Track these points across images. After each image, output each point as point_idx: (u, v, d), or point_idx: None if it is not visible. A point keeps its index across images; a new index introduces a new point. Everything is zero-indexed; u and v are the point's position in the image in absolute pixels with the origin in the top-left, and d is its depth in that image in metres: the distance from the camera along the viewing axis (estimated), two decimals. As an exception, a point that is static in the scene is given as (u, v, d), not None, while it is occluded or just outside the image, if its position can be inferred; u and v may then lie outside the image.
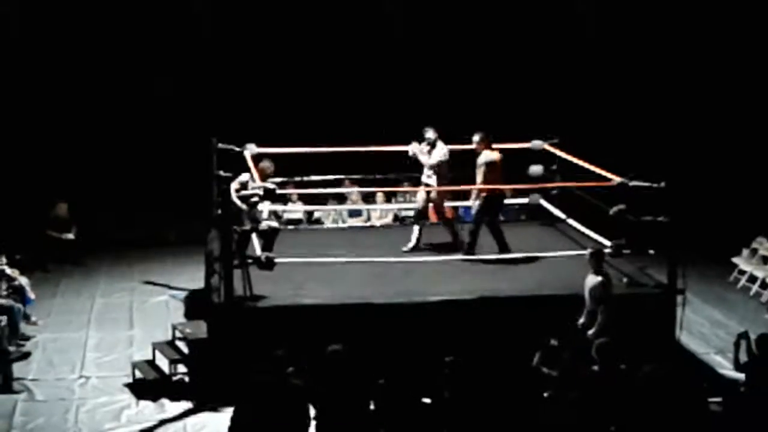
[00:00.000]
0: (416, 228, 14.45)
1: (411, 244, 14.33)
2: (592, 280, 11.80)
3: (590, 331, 11.53)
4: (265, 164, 13.66)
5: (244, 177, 13.19)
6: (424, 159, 14.16)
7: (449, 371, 10.32)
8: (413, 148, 14.24)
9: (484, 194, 13.75)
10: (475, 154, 13.86)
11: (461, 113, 15.79)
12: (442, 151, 14.10)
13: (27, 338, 14.04)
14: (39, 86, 19.82)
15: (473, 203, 13.99)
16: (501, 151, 13.93)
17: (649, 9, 20.68)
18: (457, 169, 14.31)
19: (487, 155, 13.76)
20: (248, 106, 19.75)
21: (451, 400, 10.16)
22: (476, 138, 13.86)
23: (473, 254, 13.78)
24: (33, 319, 14.74)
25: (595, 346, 10.52)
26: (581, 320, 11.77)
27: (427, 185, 14.27)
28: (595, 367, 10.36)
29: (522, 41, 20.45)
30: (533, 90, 20.12)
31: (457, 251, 14.01)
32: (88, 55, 19.97)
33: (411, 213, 17.81)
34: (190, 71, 20.22)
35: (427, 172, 14.23)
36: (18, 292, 14.65)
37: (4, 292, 14.19)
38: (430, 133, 14.17)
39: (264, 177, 13.39)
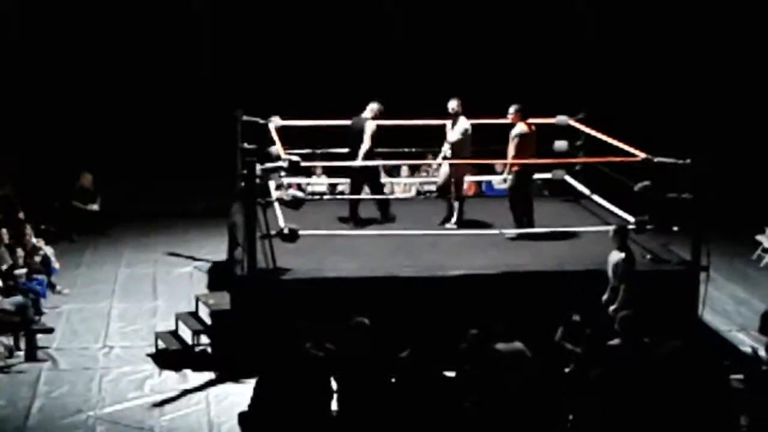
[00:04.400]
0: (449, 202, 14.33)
1: (454, 219, 14.21)
2: (616, 256, 11.79)
3: (612, 307, 11.53)
4: (374, 106, 14.16)
5: None
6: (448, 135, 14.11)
7: (471, 345, 10.34)
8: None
9: (516, 168, 13.69)
10: (509, 126, 13.82)
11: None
12: (463, 126, 14.03)
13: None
14: (65, 57, 19.86)
15: (505, 176, 13.93)
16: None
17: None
18: (479, 144, 14.27)
19: (521, 128, 13.70)
20: (273, 78, 19.74)
21: (473, 374, 10.18)
22: (511, 110, 13.80)
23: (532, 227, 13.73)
24: (58, 288, 14.84)
25: (618, 318, 10.51)
26: (604, 296, 11.77)
27: (445, 158, 14.18)
28: (617, 341, 10.33)
29: (522, 38, 20.36)
30: (543, 64, 20.06)
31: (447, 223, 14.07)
32: (116, 24, 20.00)
33: (434, 187, 17.86)
34: (216, 45, 20.23)
35: (446, 146, 14.16)
36: (43, 263, 14.75)
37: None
38: (451, 106, 14.08)
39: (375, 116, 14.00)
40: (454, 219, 14.21)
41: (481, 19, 20.42)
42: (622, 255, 11.75)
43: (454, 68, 19.73)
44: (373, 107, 14.31)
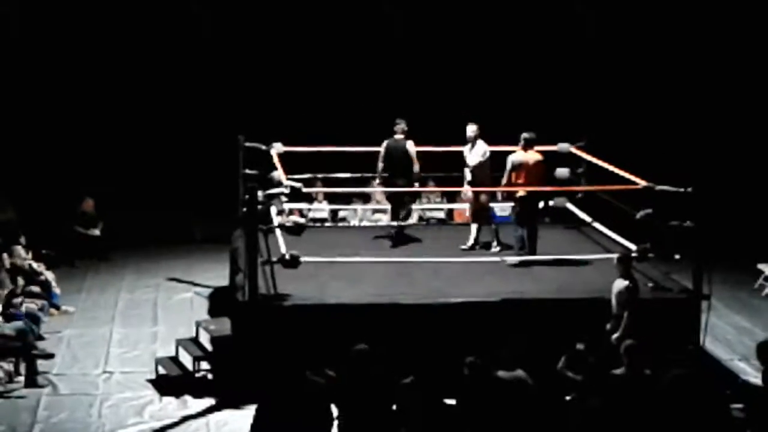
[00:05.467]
0: (474, 227, 14.41)
1: (470, 243, 14.32)
2: (620, 284, 11.76)
3: (614, 336, 11.51)
4: (403, 125, 14.39)
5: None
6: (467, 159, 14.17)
7: (469, 372, 10.29)
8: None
9: (517, 196, 13.72)
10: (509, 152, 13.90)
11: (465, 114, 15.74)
12: (482, 150, 14.07)
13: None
14: (67, 82, 19.91)
15: (501, 204, 14.03)
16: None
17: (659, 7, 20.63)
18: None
19: (517, 156, 13.72)
20: (275, 104, 19.78)
21: (472, 402, 10.14)
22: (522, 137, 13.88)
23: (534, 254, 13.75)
24: (63, 308, 14.83)
25: (623, 347, 10.47)
26: (608, 325, 11.74)
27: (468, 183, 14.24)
28: (620, 370, 10.30)
29: (524, 41, 20.43)
30: (544, 92, 20.10)
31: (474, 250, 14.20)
32: (115, 50, 20.04)
33: (435, 214, 17.89)
34: (216, 69, 20.27)
35: (467, 171, 14.21)
36: (44, 287, 14.74)
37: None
38: (470, 131, 14.15)
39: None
40: (495, 242, 14.29)
41: (483, 49, 20.49)
42: (626, 283, 11.73)
43: (455, 95, 19.78)
44: (402, 127, 14.50)
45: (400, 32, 20.56)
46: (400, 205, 14.96)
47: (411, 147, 14.45)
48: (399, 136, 14.52)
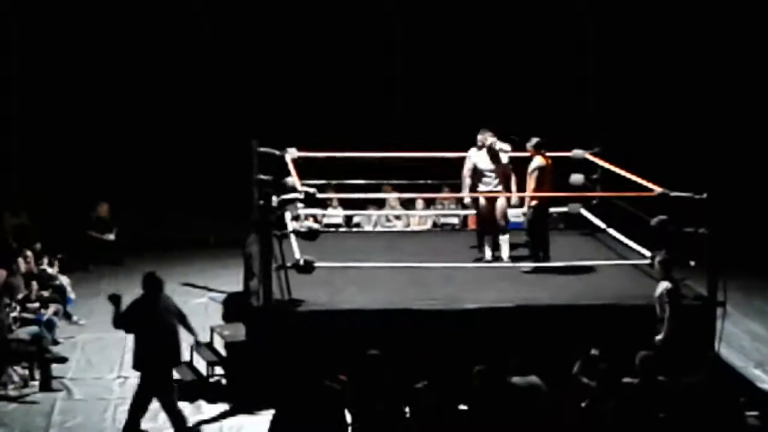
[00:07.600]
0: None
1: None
2: (661, 287, 11.72)
3: (657, 338, 11.48)
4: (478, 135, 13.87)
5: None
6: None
7: (480, 381, 10.28)
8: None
9: (534, 202, 13.66)
10: (528, 160, 13.81)
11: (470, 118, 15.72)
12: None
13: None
14: (82, 87, 19.98)
15: (524, 210, 13.93)
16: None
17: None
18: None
19: (538, 161, 13.68)
20: (289, 109, 19.81)
21: (485, 408, 10.14)
22: (529, 143, 13.76)
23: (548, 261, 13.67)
24: (74, 318, 14.84)
25: (638, 357, 10.45)
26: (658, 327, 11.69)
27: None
28: (634, 380, 10.29)
29: (525, 42, 20.45)
30: (557, 97, 20.13)
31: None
32: (131, 55, 20.12)
33: (450, 219, 17.89)
34: (231, 74, 20.31)
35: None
36: (59, 292, 14.77)
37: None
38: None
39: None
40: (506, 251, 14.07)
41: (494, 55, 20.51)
42: (667, 285, 11.68)
43: (467, 100, 19.81)
44: (478, 136, 14.17)
45: (401, 33, 20.58)
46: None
47: (468, 156, 14.15)
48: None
